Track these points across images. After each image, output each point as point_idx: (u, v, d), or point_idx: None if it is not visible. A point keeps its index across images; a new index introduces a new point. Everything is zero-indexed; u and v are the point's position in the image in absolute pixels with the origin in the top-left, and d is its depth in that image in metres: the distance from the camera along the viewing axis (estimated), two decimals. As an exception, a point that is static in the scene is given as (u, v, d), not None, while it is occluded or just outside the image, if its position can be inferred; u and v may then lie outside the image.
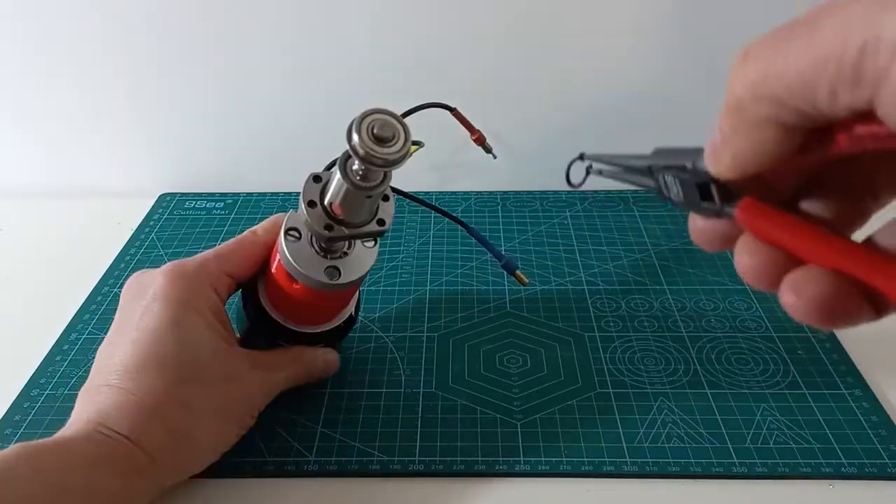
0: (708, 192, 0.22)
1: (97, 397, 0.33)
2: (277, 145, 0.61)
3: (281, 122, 0.60)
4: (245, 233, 0.40)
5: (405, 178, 0.48)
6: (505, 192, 0.62)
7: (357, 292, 0.41)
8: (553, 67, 0.56)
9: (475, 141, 0.51)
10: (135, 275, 0.38)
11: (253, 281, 0.39)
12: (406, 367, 0.44)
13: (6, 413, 0.41)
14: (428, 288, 0.50)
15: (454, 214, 0.44)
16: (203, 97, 0.59)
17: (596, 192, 0.61)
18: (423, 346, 0.45)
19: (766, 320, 0.47)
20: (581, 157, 0.26)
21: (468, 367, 0.43)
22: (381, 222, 0.35)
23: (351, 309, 0.41)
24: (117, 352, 0.34)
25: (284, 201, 0.61)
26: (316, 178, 0.34)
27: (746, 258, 0.20)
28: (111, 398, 0.33)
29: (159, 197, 0.63)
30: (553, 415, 0.40)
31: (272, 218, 0.40)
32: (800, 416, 0.39)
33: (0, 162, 0.63)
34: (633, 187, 0.25)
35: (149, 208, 0.61)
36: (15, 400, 0.42)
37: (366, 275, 0.37)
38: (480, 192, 0.62)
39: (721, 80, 0.19)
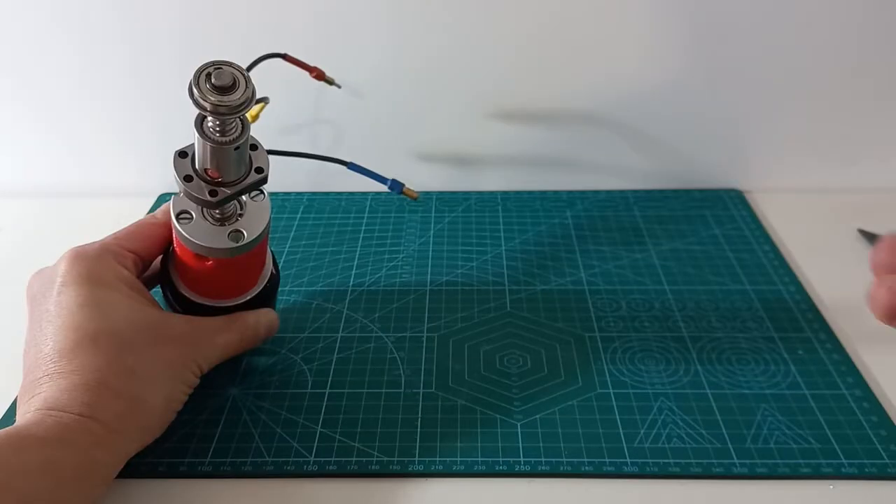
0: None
1: (38, 390, 0.33)
2: (276, 145, 0.61)
3: (280, 122, 0.60)
4: (143, 217, 0.40)
5: (406, 178, 0.49)
6: (505, 192, 0.62)
7: (269, 251, 0.41)
8: (554, 67, 0.56)
9: (315, 77, 0.50)
10: (34, 273, 0.38)
11: (167, 275, 0.39)
12: (406, 367, 0.44)
13: (6, 413, 0.41)
14: (428, 288, 0.50)
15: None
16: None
17: (596, 192, 0.61)
18: (423, 346, 0.45)
19: (766, 320, 0.46)
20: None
21: (468, 367, 0.43)
22: (259, 170, 0.35)
23: (270, 267, 0.41)
24: (46, 343, 0.34)
25: (284, 201, 0.61)
26: (182, 153, 0.35)
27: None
28: (55, 385, 0.33)
29: (159, 197, 0.62)
30: (553, 415, 0.40)
31: (164, 206, 0.40)
32: (800, 416, 0.39)
33: (0, 162, 0.63)
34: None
35: (149, 208, 0.61)
36: (15, 400, 0.42)
37: (269, 225, 0.37)
38: (481, 192, 0.62)
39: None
